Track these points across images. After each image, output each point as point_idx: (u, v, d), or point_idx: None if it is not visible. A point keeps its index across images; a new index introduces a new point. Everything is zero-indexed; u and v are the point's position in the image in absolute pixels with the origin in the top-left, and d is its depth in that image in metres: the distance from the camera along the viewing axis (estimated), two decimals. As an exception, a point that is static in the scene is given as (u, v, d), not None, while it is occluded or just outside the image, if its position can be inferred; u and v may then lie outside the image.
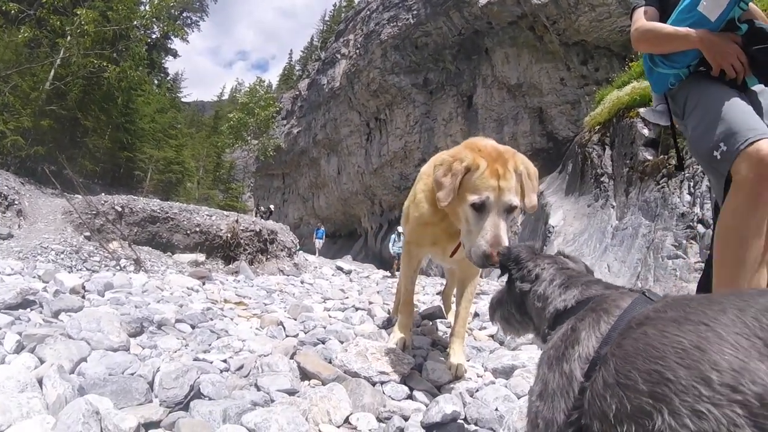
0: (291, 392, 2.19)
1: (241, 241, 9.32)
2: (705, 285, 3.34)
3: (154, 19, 20.85)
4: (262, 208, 28.80)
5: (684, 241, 7.33)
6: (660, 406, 0.83)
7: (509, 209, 2.28)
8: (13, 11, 16.87)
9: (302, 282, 6.77)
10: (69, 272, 6.36)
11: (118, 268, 7.64)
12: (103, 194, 10.73)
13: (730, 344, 0.81)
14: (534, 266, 1.45)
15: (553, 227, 11.85)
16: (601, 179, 11.30)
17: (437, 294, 5.79)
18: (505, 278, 1.61)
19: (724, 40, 2.13)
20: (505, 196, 2.25)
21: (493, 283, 9.65)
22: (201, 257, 8.97)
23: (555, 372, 1.10)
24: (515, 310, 1.52)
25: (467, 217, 2.32)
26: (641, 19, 2.45)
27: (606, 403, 0.93)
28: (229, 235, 9.25)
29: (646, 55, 2.50)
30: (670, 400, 0.82)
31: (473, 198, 2.26)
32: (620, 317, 1.06)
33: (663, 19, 2.41)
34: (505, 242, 2.17)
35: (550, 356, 1.15)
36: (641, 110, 2.83)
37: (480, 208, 2.26)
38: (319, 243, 30.88)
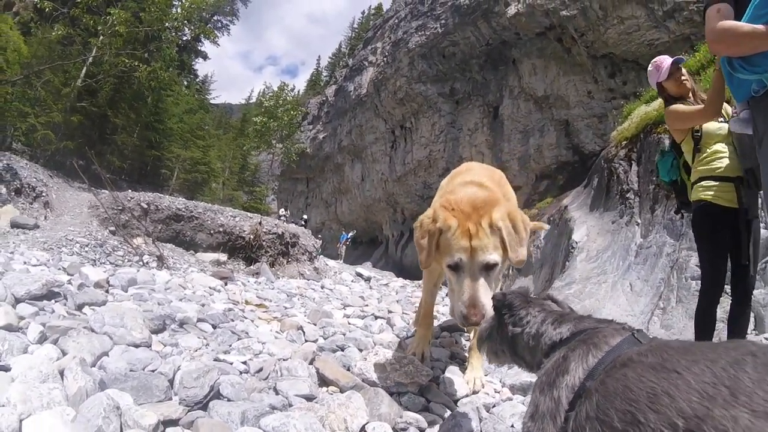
0: (309, 398, 2.20)
1: (263, 243, 9.38)
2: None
3: (186, 21, 21.16)
4: (300, 220, 28.90)
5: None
6: None
7: (486, 267, 2.22)
8: (47, 9, 17.30)
9: (322, 287, 6.77)
10: (93, 265, 6.46)
11: (141, 263, 7.73)
12: (129, 191, 10.90)
13: (697, 392, 0.87)
14: (525, 313, 1.55)
15: (577, 243, 11.70)
16: (627, 195, 11.13)
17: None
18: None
19: None
20: (479, 256, 2.21)
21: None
22: (223, 257, 9.05)
23: (546, 396, 1.20)
24: (506, 348, 1.61)
25: (448, 277, 2.31)
26: (714, 18, 2.19)
27: None
28: (251, 237, 9.31)
29: (723, 59, 2.22)
30: None
31: (447, 260, 2.26)
32: (607, 353, 1.15)
33: (738, 17, 2.14)
34: (485, 303, 2.11)
35: (542, 382, 1.26)
36: (729, 122, 2.72)
37: (455, 269, 2.24)
38: (343, 249, 30.97)
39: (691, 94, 3.54)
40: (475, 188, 2.50)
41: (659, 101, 11.32)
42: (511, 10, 28.10)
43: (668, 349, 1.04)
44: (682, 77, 3.50)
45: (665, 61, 3.55)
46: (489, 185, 2.54)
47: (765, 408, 0.79)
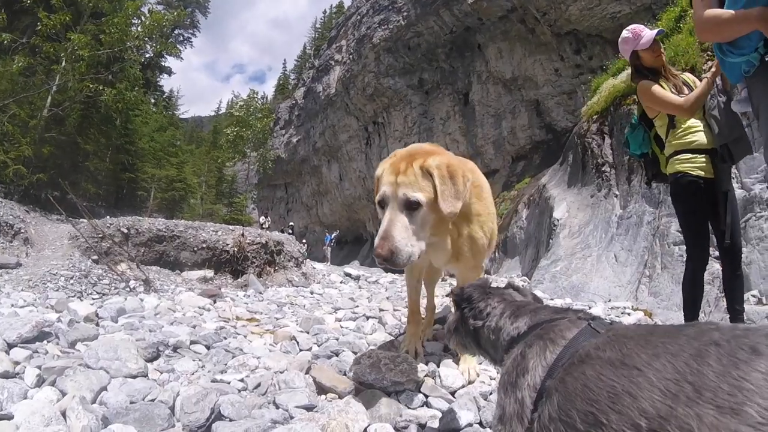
0: (309, 408, 2.23)
1: (248, 254, 9.34)
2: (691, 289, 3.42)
3: (147, 39, 20.94)
4: (287, 228, 28.75)
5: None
6: None
7: (408, 204, 2.18)
8: (6, 41, 17.00)
9: (312, 293, 6.80)
10: (80, 298, 6.42)
11: (128, 289, 7.68)
12: (108, 217, 10.78)
13: (660, 390, 0.85)
14: (485, 305, 1.54)
15: (558, 220, 11.86)
16: (603, 169, 11.30)
17: (446, 296, 5.81)
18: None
19: None
20: (401, 190, 2.18)
21: (502, 280, 9.64)
22: (209, 273, 9.00)
23: (510, 398, 1.19)
24: (470, 341, 1.60)
25: (379, 218, 2.29)
26: (699, 7, 2.28)
27: None
28: (235, 249, 9.27)
29: (715, 47, 2.35)
30: None
31: (377, 197, 2.28)
32: (565, 348, 1.13)
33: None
34: (396, 237, 2.10)
35: (505, 382, 1.24)
36: (732, 104, 2.75)
37: (383, 204, 2.24)
38: (329, 250, 30.92)
39: (662, 69, 3.58)
40: (425, 144, 2.54)
41: (626, 73, 11.51)
42: (472, -5, 28.23)
43: (627, 341, 1.02)
44: (660, 50, 3.55)
45: (645, 30, 3.57)
46: (445, 152, 2.53)
47: (731, 403, 0.77)
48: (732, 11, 2.09)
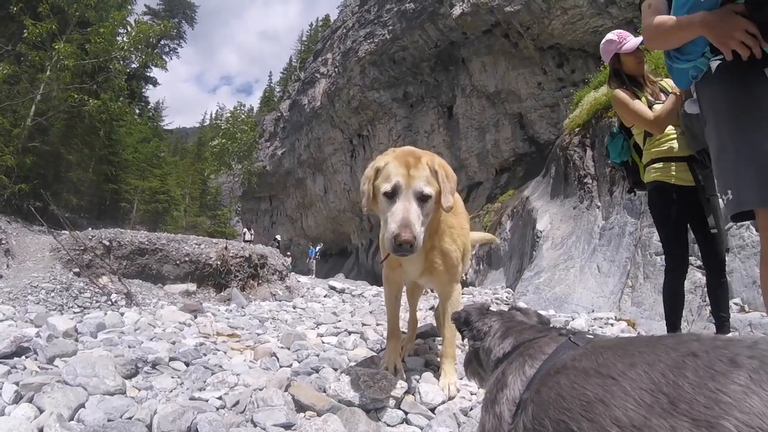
0: (287, 426, 2.22)
1: (231, 267, 9.30)
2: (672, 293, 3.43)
3: (133, 50, 20.88)
4: (273, 241, 28.55)
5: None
6: None
7: (421, 197, 2.30)
8: (-10, 48, 16.90)
9: (294, 307, 6.77)
10: (60, 311, 6.35)
11: (109, 303, 7.60)
12: (90, 229, 10.68)
13: (634, 400, 0.83)
14: (482, 325, 1.55)
15: (541, 231, 11.96)
16: (585, 180, 11.43)
17: (430, 309, 5.84)
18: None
19: (725, 17, 1.87)
20: (416, 182, 2.30)
21: (486, 292, 9.69)
22: (192, 287, 8.94)
23: (489, 414, 1.18)
24: (478, 366, 1.59)
25: (383, 209, 2.36)
26: (647, 15, 2.27)
27: None
28: (219, 263, 9.22)
29: (665, 53, 2.33)
30: None
31: (385, 186, 2.32)
32: (544, 362, 1.13)
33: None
34: (415, 226, 2.20)
35: (486, 399, 1.24)
36: (685, 105, 2.71)
37: (392, 195, 2.31)
38: (313, 263, 30.80)
39: (642, 77, 3.57)
40: (415, 148, 2.61)
41: (607, 86, 11.67)
42: (456, 10, 28.53)
43: (604, 351, 0.99)
44: (643, 57, 3.54)
45: (631, 36, 3.55)
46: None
47: (706, 416, 0.74)
48: (675, 18, 2.08)
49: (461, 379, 3.00)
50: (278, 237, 30.57)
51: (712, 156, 2.14)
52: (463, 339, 1.72)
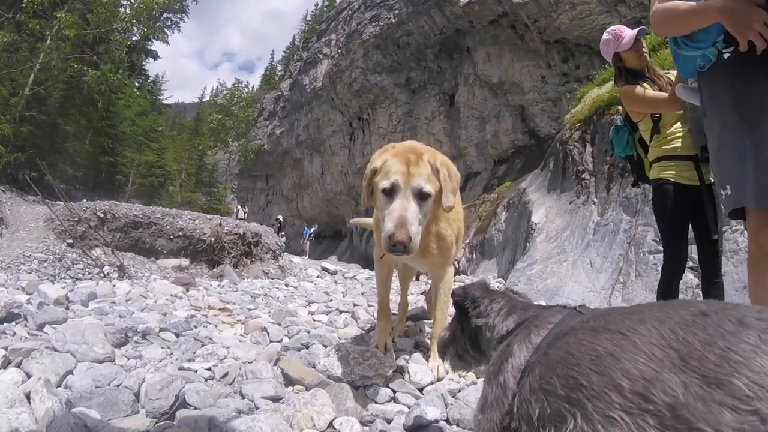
0: (275, 399, 2.23)
1: (225, 244, 9.30)
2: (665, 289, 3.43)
3: (134, 22, 20.68)
4: (275, 222, 28.30)
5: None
6: (574, 410, 0.87)
7: (420, 194, 2.27)
8: (-9, 16, 16.70)
9: (287, 285, 6.77)
10: (52, 281, 6.34)
11: (101, 275, 7.61)
12: (84, 200, 10.64)
13: (644, 353, 0.82)
14: (488, 302, 1.52)
15: (536, 224, 11.98)
16: (582, 176, 11.44)
17: (421, 294, 5.85)
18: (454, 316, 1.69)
19: (746, 6, 1.79)
20: (415, 180, 2.26)
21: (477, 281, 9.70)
22: (185, 262, 8.95)
23: (493, 385, 1.16)
24: (470, 346, 1.58)
25: (381, 206, 2.34)
26: (656, 1, 2.17)
27: (531, 406, 0.98)
28: (212, 239, 9.22)
29: (670, 39, 2.24)
30: (583, 405, 0.85)
31: (383, 183, 2.29)
32: (551, 329, 1.12)
33: None
34: (412, 226, 2.17)
35: (489, 372, 1.22)
36: (676, 88, 2.62)
37: (390, 193, 2.28)
38: (307, 244, 30.69)
39: (647, 69, 3.48)
40: (416, 143, 2.60)
41: (611, 84, 11.62)
42: (464, -2, 28.32)
43: (611, 311, 1.00)
44: (643, 49, 3.45)
45: (626, 30, 3.45)
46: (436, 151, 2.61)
47: (717, 374, 0.74)
48: (691, 2, 2.00)
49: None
50: (280, 218, 30.28)
51: (710, 150, 2.12)
52: (456, 314, 1.70)
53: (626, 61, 3.48)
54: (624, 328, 0.90)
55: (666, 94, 3.20)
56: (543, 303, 7.15)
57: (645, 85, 3.35)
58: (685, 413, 0.74)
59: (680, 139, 3.31)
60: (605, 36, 3.54)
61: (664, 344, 0.82)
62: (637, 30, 3.37)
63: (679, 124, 3.33)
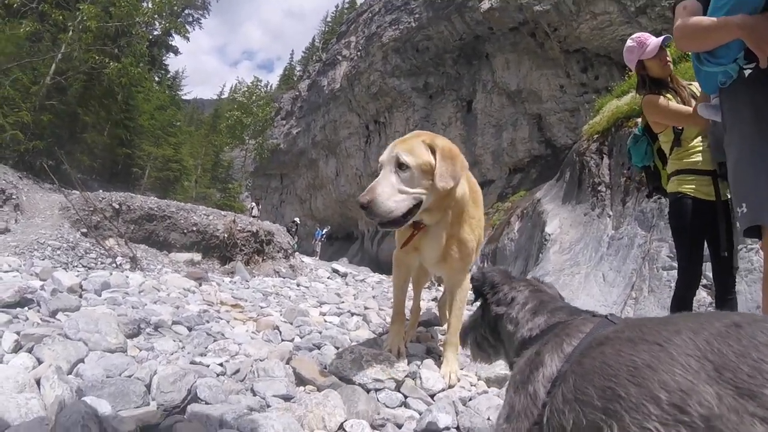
0: (287, 398, 2.21)
1: (238, 241, 9.31)
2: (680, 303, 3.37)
3: (156, 16, 20.86)
4: (291, 224, 28.27)
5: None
6: (611, 422, 0.86)
7: (399, 164, 2.33)
8: (15, 4, 16.89)
9: (298, 285, 6.77)
10: (65, 269, 6.37)
11: (114, 265, 7.64)
12: (100, 191, 10.71)
13: (681, 365, 0.83)
14: (510, 289, 1.49)
15: (550, 235, 11.89)
16: (598, 188, 11.33)
17: (432, 300, 5.82)
18: (478, 303, 1.62)
19: (765, 22, 1.79)
20: (395, 150, 2.35)
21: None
22: (197, 257, 8.96)
23: (520, 395, 1.13)
24: (489, 334, 1.54)
25: None
26: (681, 15, 2.18)
27: (564, 417, 0.97)
28: (225, 235, 9.24)
29: (693, 55, 2.24)
30: (620, 417, 0.85)
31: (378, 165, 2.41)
32: (583, 338, 1.10)
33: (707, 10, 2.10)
34: (380, 196, 2.25)
35: (516, 380, 1.19)
36: (698, 107, 2.59)
37: (380, 170, 2.39)
38: (318, 245, 30.69)
39: (670, 79, 3.41)
40: (426, 132, 2.64)
41: (630, 96, 11.55)
42: (485, 4, 28.28)
43: (646, 322, 1.00)
44: (667, 58, 3.38)
45: (650, 38, 3.39)
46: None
47: (749, 385, 0.75)
48: (713, 18, 1.99)
49: (462, 369, 2.99)
50: (297, 220, 30.16)
51: (729, 166, 2.09)
52: (475, 302, 1.64)
53: (650, 70, 3.41)
54: (661, 339, 0.90)
55: (690, 108, 3.15)
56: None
57: (668, 96, 3.29)
58: (719, 425, 0.75)
59: (701, 153, 3.25)
60: (629, 43, 3.47)
61: (700, 355, 0.83)
62: (662, 38, 3.31)
63: (700, 138, 3.28)
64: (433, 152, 2.40)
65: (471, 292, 1.75)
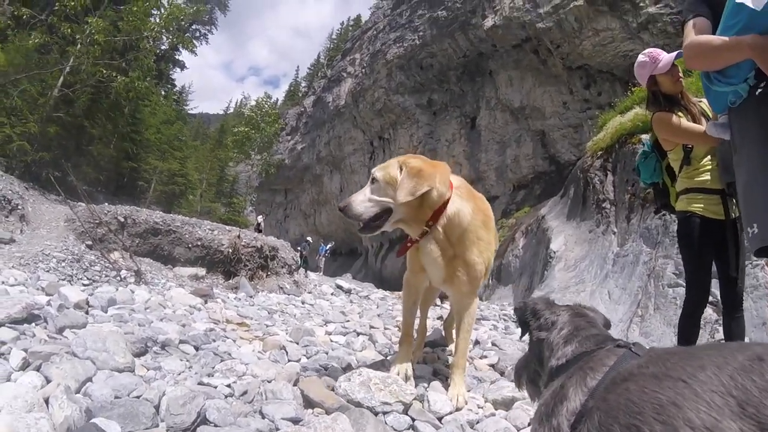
0: (295, 420, 2.20)
1: (242, 256, 9.30)
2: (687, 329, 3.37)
3: (164, 31, 21.06)
4: (304, 242, 28.13)
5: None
6: None
7: (371, 179, 2.78)
8: (24, 16, 17.10)
9: (303, 302, 6.76)
10: (70, 282, 6.37)
11: (118, 279, 7.63)
12: (106, 203, 10.73)
13: (705, 402, 0.83)
14: (550, 314, 1.50)
15: (554, 252, 11.86)
16: (603, 205, 11.34)
17: (437, 318, 5.79)
18: (527, 338, 1.62)
19: None
20: (373, 170, 2.80)
21: (493, 307, 9.62)
22: (201, 271, 8.96)
23: (545, 427, 1.15)
24: (539, 366, 1.52)
25: None
26: (690, 34, 2.18)
27: None
28: (230, 251, 9.23)
29: (702, 74, 2.23)
30: None
31: None
32: (606, 373, 1.10)
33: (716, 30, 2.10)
34: (353, 202, 2.73)
35: (540, 412, 1.21)
36: (706, 126, 2.56)
37: None
38: (322, 260, 30.62)
39: (681, 95, 3.38)
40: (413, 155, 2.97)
41: (634, 112, 11.58)
42: (488, 22, 28.51)
43: (671, 356, 1.01)
44: (679, 74, 3.35)
45: (663, 53, 3.35)
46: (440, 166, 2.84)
47: None
48: (724, 38, 1.97)
49: (469, 391, 2.97)
50: (309, 239, 30.08)
51: (738, 187, 2.09)
52: (522, 335, 1.64)
53: (661, 85, 3.37)
54: (685, 375, 0.90)
55: (702, 127, 3.12)
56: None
57: (680, 113, 3.28)
58: None
59: (710, 172, 3.24)
60: (641, 58, 3.44)
61: (724, 391, 0.83)
62: (674, 53, 3.25)
63: (709, 157, 3.27)
64: (399, 168, 2.72)
65: (517, 326, 1.75)
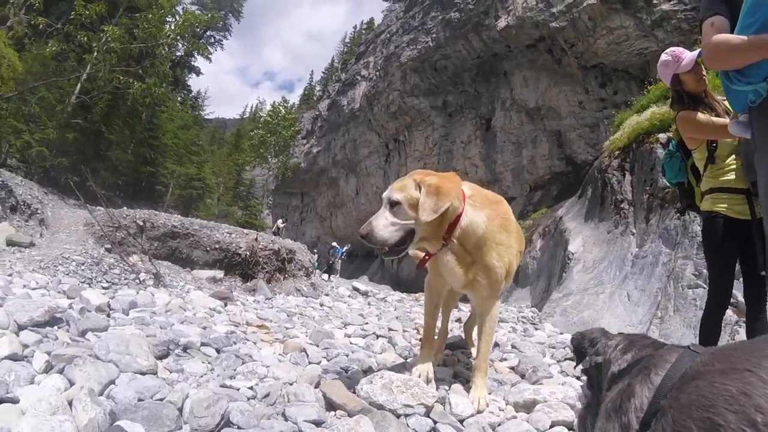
0: (318, 423, 2.20)
1: (260, 259, 9.34)
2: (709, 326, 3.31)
3: (179, 38, 21.30)
4: (331, 248, 28.18)
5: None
6: None
7: (391, 202, 2.67)
8: (41, 25, 17.41)
9: (321, 305, 6.77)
10: (90, 285, 6.44)
11: (137, 282, 7.70)
12: (125, 207, 10.87)
13: None
14: (606, 339, 1.53)
15: (573, 253, 11.75)
16: (621, 205, 11.21)
17: (456, 321, 5.76)
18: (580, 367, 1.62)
19: None
20: (388, 191, 2.71)
21: (511, 309, 9.56)
22: (219, 274, 9.01)
23: (614, 423, 1.20)
24: (599, 397, 1.48)
25: None
26: (708, 33, 2.17)
27: None
28: (248, 253, 9.28)
29: (721, 73, 2.21)
30: None
31: None
32: (670, 369, 1.16)
33: (734, 28, 2.10)
34: (375, 228, 2.62)
35: (608, 409, 1.26)
36: (728, 124, 2.52)
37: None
38: (339, 263, 30.60)
39: (705, 94, 3.34)
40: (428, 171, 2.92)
41: (651, 111, 11.44)
42: (502, 22, 28.39)
43: (733, 351, 1.07)
44: (702, 72, 3.30)
45: (685, 51, 3.31)
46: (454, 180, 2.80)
47: None
48: (743, 37, 1.97)
49: (490, 393, 2.95)
50: (335, 245, 30.13)
51: (760, 186, 2.07)
52: (577, 365, 1.63)
53: (685, 84, 3.33)
54: (750, 365, 0.97)
55: (727, 120, 3.03)
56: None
57: (704, 112, 3.23)
58: None
59: (734, 171, 3.19)
60: (664, 57, 3.39)
61: None
62: (697, 51, 3.21)
63: (734, 156, 3.21)
64: (417, 186, 2.67)
65: (573, 357, 1.76)
